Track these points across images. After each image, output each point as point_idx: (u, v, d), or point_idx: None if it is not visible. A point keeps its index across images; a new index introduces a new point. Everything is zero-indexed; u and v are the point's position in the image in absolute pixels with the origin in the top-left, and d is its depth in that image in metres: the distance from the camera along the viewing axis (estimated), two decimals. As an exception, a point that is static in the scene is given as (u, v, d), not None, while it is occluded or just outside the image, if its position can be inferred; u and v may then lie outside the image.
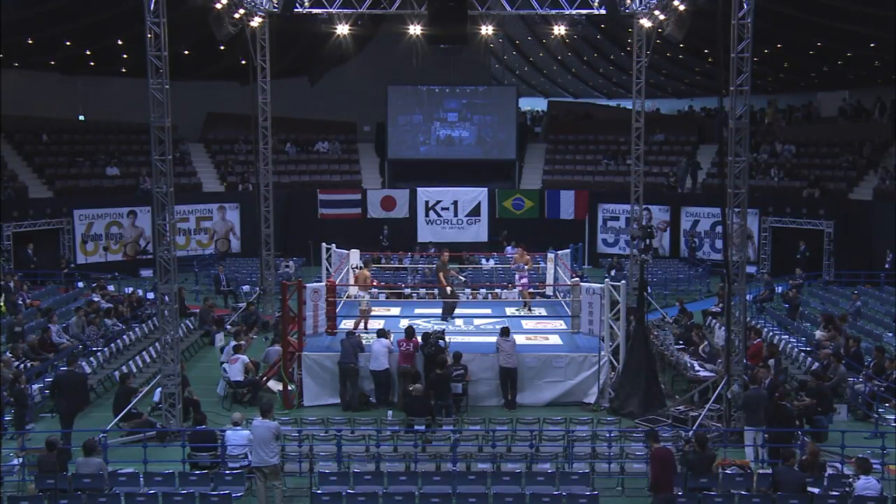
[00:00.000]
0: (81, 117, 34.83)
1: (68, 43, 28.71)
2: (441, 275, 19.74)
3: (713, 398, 14.90)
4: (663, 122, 37.16)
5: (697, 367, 16.75)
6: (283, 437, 12.30)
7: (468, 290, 22.88)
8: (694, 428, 13.89)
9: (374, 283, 19.37)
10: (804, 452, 12.16)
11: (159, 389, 14.94)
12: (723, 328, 17.16)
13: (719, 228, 27.29)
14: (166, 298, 14.42)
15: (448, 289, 19.67)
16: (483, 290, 22.81)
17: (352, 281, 20.54)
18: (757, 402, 13.47)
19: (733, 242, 14.50)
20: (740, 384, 14.19)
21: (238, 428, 12.62)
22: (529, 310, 19.81)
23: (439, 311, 19.32)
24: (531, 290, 20.91)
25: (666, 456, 11.28)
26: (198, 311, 21.67)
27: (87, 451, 11.77)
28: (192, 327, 20.82)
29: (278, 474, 11.78)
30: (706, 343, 17.68)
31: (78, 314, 19.66)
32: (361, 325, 17.73)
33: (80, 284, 25.72)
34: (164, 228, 14.25)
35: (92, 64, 31.70)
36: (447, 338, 16.69)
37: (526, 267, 20.00)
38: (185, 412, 14.77)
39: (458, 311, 19.67)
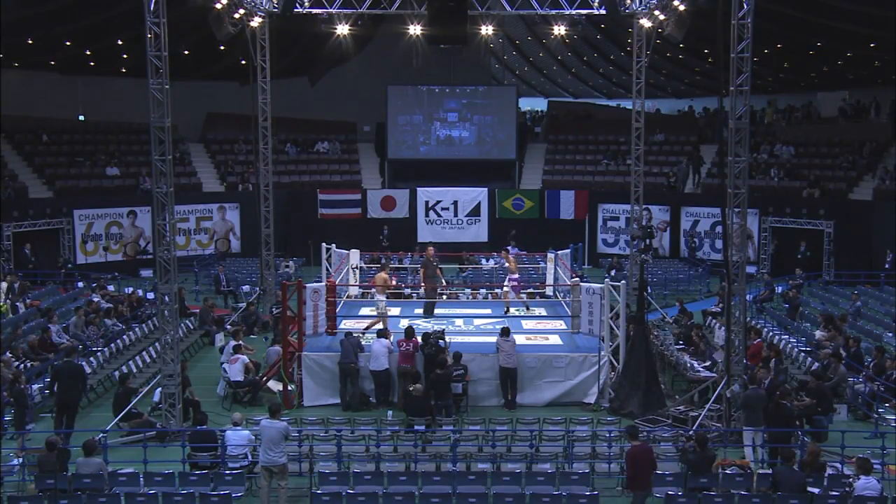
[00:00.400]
0: (81, 117, 34.83)
1: (68, 43, 28.71)
2: (423, 271, 19.74)
3: (713, 398, 14.90)
4: (663, 122, 37.16)
5: (698, 367, 16.75)
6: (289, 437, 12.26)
7: (468, 290, 22.89)
8: (694, 428, 13.89)
9: (393, 285, 19.12)
10: (804, 452, 12.16)
11: (159, 389, 14.94)
12: (723, 328, 17.16)
13: (719, 228, 27.30)
14: (166, 298, 14.42)
15: (424, 285, 19.37)
16: (483, 290, 22.78)
17: (352, 281, 20.58)
18: (756, 402, 13.46)
19: (733, 242, 14.50)
20: (740, 384, 14.18)
21: (238, 428, 12.61)
22: (527, 308, 19.77)
23: (440, 311, 19.30)
24: (530, 290, 20.89)
25: (638, 454, 11.15)
26: (198, 311, 21.67)
27: (87, 451, 11.79)
28: (192, 327, 20.82)
29: (285, 474, 11.77)
30: (710, 348, 17.63)
31: (78, 314, 19.67)
32: (379, 325, 17.50)
33: (80, 284, 25.72)
34: (164, 228, 14.24)
35: (92, 64, 31.70)
36: (447, 338, 16.68)
37: (507, 265, 19.89)
38: (185, 413, 14.77)
39: (458, 311, 19.68)
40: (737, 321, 14.48)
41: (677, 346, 18.16)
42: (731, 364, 14.25)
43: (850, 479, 11.23)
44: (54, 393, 14.95)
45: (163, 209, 14.21)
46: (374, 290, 18.48)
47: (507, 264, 20.00)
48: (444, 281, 21.95)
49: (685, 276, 27.72)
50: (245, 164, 32.72)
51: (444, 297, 20.95)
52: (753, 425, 13.36)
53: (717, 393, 14.81)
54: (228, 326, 20.70)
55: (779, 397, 13.49)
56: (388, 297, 18.56)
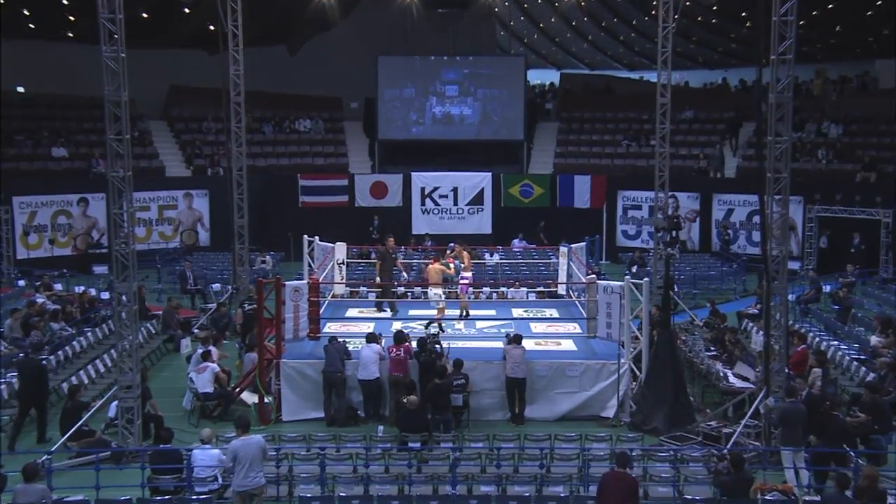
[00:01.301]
0: (20, 89, 34.71)
1: (3, 2, 28.52)
2: (379, 265, 19.85)
3: (750, 412, 14.93)
4: (693, 96, 37.20)
5: (732, 378, 16.79)
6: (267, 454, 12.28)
7: (470, 290, 22.91)
8: (728, 446, 13.94)
9: (451, 272, 19.45)
10: (859, 477, 12.16)
11: (115, 403, 14.95)
12: (761, 333, 17.20)
13: (757, 218, 27.34)
14: (124, 298, 14.44)
15: (378, 280, 19.39)
16: (486, 289, 22.81)
17: (337, 278, 20.61)
18: (795, 418, 13.45)
19: (773, 235, 14.53)
20: (779, 397, 14.20)
21: (207, 446, 12.64)
22: (467, 315, 19.48)
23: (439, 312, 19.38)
24: (540, 289, 20.88)
25: (610, 482, 10.81)
26: (160, 312, 21.71)
27: (28, 475, 11.30)
28: (153, 331, 20.86)
29: (263, 497, 11.81)
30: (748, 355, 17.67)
31: (14, 317, 19.46)
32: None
33: (22, 283, 25.67)
34: (122, 218, 14.26)
35: (32, 27, 31.59)
36: (443, 343, 16.72)
37: (462, 265, 19.86)
38: (145, 430, 14.79)
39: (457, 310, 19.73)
40: (777, 325, 14.51)
41: (708, 353, 18.22)
42: (772, 374, 14.29)
43: (913, 509, 11.24)
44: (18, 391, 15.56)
45: (119, 196, 14.23)
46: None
47: (462, 264, 19.99)
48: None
49: (717, 273, 27.79)
50: (215, 144, 32.77)
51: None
52: (793, 444, 13.38)
53: (754, 407, 14.86)
54: (196, 331, 20.73)
55: (829, 408, 13.47)
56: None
